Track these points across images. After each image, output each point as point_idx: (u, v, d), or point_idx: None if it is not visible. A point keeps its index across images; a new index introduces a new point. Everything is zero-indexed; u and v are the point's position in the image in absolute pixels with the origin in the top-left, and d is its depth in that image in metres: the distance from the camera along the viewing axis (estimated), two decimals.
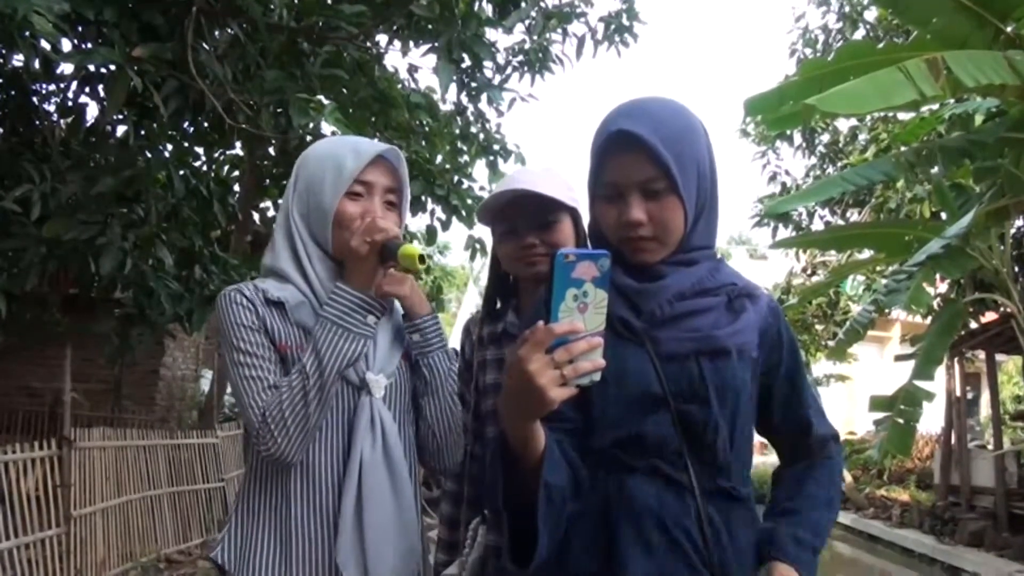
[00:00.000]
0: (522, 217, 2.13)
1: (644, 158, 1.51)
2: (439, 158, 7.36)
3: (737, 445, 1.58)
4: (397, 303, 1.98)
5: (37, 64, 4.87)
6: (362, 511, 1.78)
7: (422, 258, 1.70)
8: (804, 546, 1.59)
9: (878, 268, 12.33)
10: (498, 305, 2.35)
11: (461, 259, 36.10)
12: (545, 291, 1.30)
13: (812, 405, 1.76)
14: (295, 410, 1.71)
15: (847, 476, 14.58)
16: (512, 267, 2.22)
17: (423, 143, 7.20)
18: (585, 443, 1.55)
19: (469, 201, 7.23)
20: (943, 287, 11.67)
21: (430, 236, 7.66)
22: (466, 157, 7.95)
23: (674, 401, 1.52)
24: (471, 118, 8.02)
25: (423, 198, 6.95)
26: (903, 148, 7.87)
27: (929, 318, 10.01)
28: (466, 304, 32.37)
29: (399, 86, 7.03)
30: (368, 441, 1.81)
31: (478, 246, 7.67)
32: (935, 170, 6.99)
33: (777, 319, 1.69)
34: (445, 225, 7.34)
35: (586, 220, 1.81)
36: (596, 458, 1.54)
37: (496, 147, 7.96)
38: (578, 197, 2.17)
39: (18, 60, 5.61)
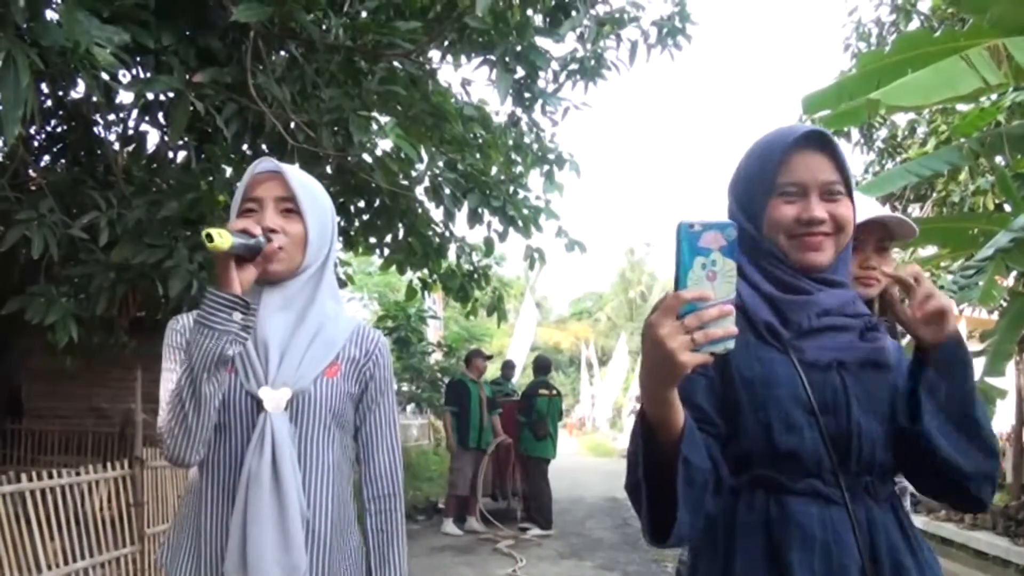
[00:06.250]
0: None
1: (829, 160, 1.63)
2: (494, 170, 7.34)
3: (888, 455, 1.60)
4: (338, 316, 2.03)
5: (97, 96, 4.95)
6: (245, 525, 1.83)
7: (209, 236, 1.69)
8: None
9: (942, 264, 12.08)
10: None
11: (517, 270, 35.83)
12: (674, 261, 1.32)
13: None
14: (175, 413, 1.78)
15: None
16: None
17: (478, 155, 7.19)
18: (735, 452, 1.57)
19: (525, 211, 7.21)
20: (1010, 280, 11.39)
21: (488, 248, 7.64)
22: (521, 168, 7.92)
23: (820, 412, 1.55)
24: (525, 128, 8.00)
25: (479, 210, 6.92)
26: (963, 140, 7.70)
27: (996, 313, 9.77)
28: (523, 314, 32.02)
29: (452, 100, 7.04)
30: (257, 457, 1.85)
31: (535, 256, 7.63)
32: (1000, 159, 6.83)
33: (901, 363, 1.71)
34: (502, 236, 7.30)
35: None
36: (751, 476, 1.57)
37: (551, 156, 7.93)
38: None
39: (77, 93, 5.72)
